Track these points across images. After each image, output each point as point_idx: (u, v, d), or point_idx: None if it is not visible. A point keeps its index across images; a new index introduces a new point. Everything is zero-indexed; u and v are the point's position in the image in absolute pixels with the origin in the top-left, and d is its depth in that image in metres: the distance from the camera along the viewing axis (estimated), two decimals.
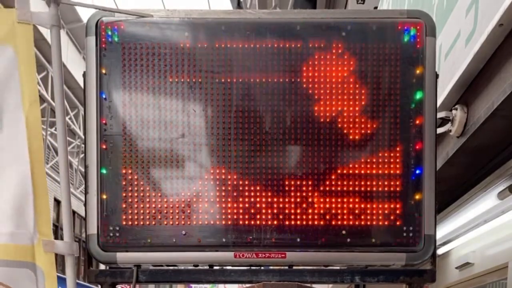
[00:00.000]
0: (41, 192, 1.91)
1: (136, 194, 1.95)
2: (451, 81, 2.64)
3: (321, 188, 1.95)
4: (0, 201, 1.87)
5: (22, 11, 1.84)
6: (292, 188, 1.95)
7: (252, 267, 2.09)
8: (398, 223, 1.95)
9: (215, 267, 2.09)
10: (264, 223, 1.95)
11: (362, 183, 1.95)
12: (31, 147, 1.87)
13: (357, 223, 1.95)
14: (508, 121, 2.36)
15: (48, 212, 1.93)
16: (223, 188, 1.95)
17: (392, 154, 1.94)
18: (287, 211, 1.95)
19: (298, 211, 1.95)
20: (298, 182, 1.95)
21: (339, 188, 1.95)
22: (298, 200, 1.95)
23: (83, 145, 13.89)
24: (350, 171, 1.94)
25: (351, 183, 1.95)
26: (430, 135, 1.94)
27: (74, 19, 12.88)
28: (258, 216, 1.95)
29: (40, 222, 1.90)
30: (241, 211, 1.95)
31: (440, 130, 2.72)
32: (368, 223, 1.95)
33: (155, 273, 2.06)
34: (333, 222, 1.95)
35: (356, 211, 1.95)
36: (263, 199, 1.95)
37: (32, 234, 1.89)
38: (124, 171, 1.94)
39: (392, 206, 1.95)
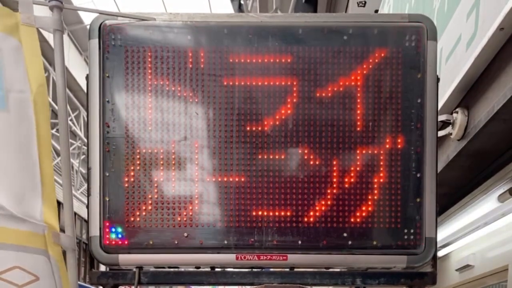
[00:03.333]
0: (48, 181, 1.89)
1: (138, 196, 1.96)
2: (452, 84, 2.65)
3: (323, 191, 1.96)
4: (9, 184, 1.83)
5: (25, 15, 1.85)
6: (294, 191, 1.96)
7: (253, 269, 2.10)
8: (399, 225, 1.96)
9: (216, 269, 2.09)
10: (265, 225, 1.96)
11: (363, 186, 1.96)
12: (39, 130, 1.86)
13: (358, 225, 1.96)
14: (509, 125, 2.37)
15: (55, 202, 1.91)
16: (225, 190, 1.96)
17: (393, 157, 1.95)
18: (288, 213, 1.96)
19: (300, 213, 1.96)
20: (300, 185, 1.96)
21: (340, 191, 1.96)
22: (300, 202, 1.96)
23: (84, 147, 13.91)
24: (352, 174, 1.95)
25: (352, 186, 1.95)
26: (431, 138, 1.95)
27: (76, 20, 12.92)
28: (259, 219, 1.96)
29: (47, 211, 1.88)
30: (242, 213, 1.96)
31: (441, 133, 2.73)
32: (369, 225, 1.96)
33: (157, 275, 2.07)
34: (334, 225, 1.96)
35: (357, 214, 1.96)
36: (265, 202, 1.96)
37: (41, 222, 1.87)
38: (126, 173, 1.95)
39: (393, 208, 1.95)
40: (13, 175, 1.83)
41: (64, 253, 1.98)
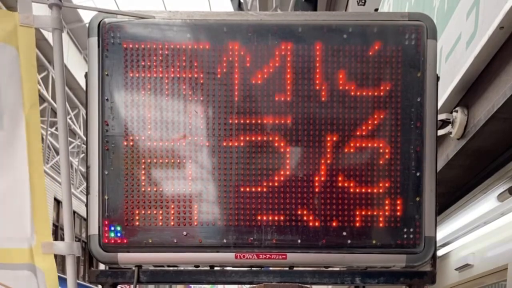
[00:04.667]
0: (39, 194, 1.91)
1: (137, 195, 1.95)
2: (451, 83, 2.64)
3: (322, 190, 1.95)
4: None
5: (24, 14, 1.86)
6: (293, 190, 1.96)
7: (252, 268, 2.09)
8: (398, 224, 1.96)
9: (215, 268, 2.09)
10: (265, 224, 1.96)
11: (363, 184, 1.95)
12: (30, 148, 1.88)
13: (357, 224, 1.95)
14: (508, 124, 2.36)
15: (47, 214, 1.94)
16: (224, 189, 1.95)
17: (392, 156, 1.95)
18: (288, 212, 1.96)
19: (299, 212, 1.96)
20: (299, 184, 1.96)
21: (339, 190, 1.95)
22: (299, 201, 1.96)
23: (83, 145, 13.90)
24: (351, 173, 1.95)
25: (351, 184, 1.95)
26: (430, 137, 1.95)
27: (75, 19, 12.89)
28: (259, 217, 1.96)
29: (38, 224, 1.91)
30: (242, 212, 1.96)
31: (440, 132, 2.73)
32: (369, 224, 1.95)
33: (156, 274, 2.06)
34: (334, 224, 1.96)
35: (357, 213, 1.95)
36: (264, 200, 1.95)
37: (29, 237, 1.90)
38: (125, 172, 1.95)
39: (392, 207, 1.95)
40: (3, 194, 1.86)
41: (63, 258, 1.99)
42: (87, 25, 1.97)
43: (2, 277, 1.88)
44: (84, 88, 2.00)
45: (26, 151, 1.88)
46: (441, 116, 2.71)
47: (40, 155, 1.92)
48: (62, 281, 1.99)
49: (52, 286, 1.95)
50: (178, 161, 1.95)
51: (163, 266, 2.08)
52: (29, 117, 1.89)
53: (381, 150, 1.94)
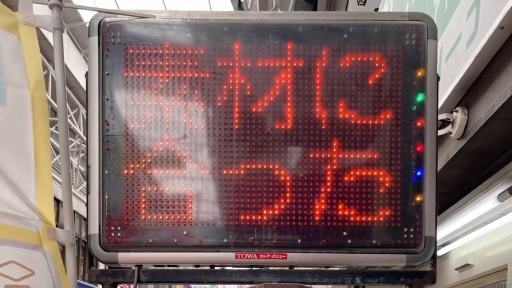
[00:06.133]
0: (44, 175, 1.88)
1: (137, 194, 1.95)
2: (452, 83, 2.64)
3: (322, 189, 1.95)
4: (4, 179, 1.83)
5: (25, 14, 1.85)
6: (293, 189, 1.96)
7: (253, 268, 2.09)
8: (398, 224, 1.96)
9: (216, 268, 2.09)
10: (265, 224, 1.96)
11: (363, 184, 1.95)
12: (35, 125, 1.86)
13: (358, 224, 1.95)
14: (509, 124, 2.36)
15: (51, 196, 1.91)
16: (225, 188, 1.95)
17: (393, 156, 1.95)
18: (288, 212, 1.96)
19: (299, 212, 1.96)
20: (299, 183, 1.96)
21: (340, 189, 1.95)
22: (299, 201, 1.96)
23: (83, 145, 13.89)
24: (351, 172, 1.95)
25: (352, 184, 1.95)
26: (431, 137, 1.95)
27: (75, 18, 12.88)
28: (259, 217, 1.96)
29: (43, 207, 1.88)
30: (242, 211, 1.96)
31: (440, 132, 2.73)
32: (369, 224, 1.95)
33: (156, 273, 2.06)
34: (334, 223, 1.96)
35: (357, 213, 1.95)
36: (264, 200, 1.95)
37: (36, 219, 1.88)
38: (126, 171, 1.95)
39: (393, 207, 1.95)
40: (8, 170, 1.83)
41: (63, 247, 1.98)
42: (87, 24, 1.97)
43: (17, 256, 1.83)
44: (84, 88, 2.00)
45: (32, 128, 1.85)
46: (441, 116, 2.71)
47: (46, 134, 1.89)
48: None
49: (61, 271, 1.94)
50: (179, 160, 1.95)
51: (163, 266, 2.08)
52: (35, 93, 1.86)
53: (381, 150, 1.94)
